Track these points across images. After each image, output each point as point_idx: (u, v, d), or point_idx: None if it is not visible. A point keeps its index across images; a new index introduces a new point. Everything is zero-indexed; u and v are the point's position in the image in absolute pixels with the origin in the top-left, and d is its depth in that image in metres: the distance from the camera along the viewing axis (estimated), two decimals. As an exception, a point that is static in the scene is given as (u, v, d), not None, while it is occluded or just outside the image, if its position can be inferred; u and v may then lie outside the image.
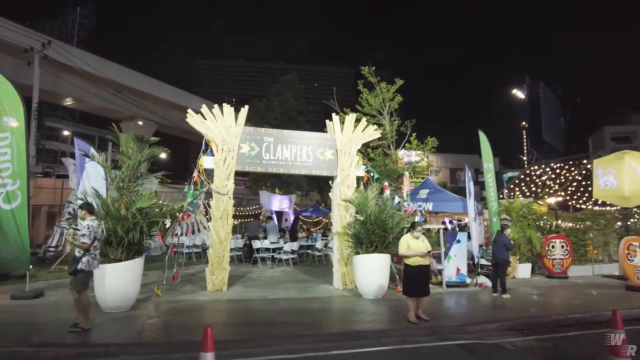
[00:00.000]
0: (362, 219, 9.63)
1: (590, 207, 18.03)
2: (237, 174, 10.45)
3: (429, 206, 12.37)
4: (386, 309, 8.29)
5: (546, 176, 16.68)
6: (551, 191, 15.91)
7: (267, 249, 14.74)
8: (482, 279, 11.07)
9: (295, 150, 10.36)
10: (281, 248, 14.58)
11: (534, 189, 16.29)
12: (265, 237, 16.68)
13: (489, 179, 12.70)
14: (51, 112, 49.55)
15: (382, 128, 11.48)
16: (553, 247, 12.94)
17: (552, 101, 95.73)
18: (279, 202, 28.25)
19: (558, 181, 16.27)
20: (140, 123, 38.68)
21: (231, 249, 15.51)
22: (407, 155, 46.34)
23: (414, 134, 11.39)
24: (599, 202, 16.50)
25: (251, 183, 36.46)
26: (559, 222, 15.74)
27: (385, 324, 7.21)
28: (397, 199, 11.05)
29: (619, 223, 13.96)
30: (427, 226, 11.18)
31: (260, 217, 29.14)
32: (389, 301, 9.17)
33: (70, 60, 25.56)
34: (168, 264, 9.88)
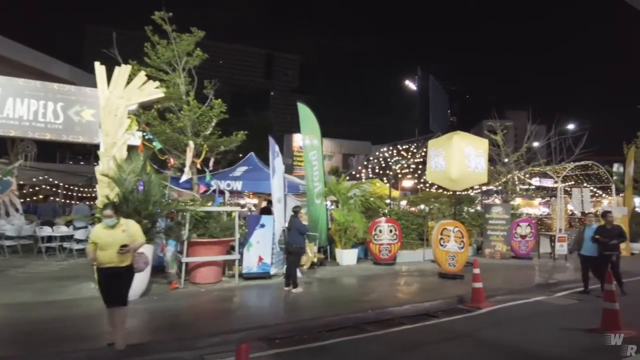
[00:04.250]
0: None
1: (439, 190, 17.82)
2: None
3: (238, 185, 10.59)
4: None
5: (395, 158, 16.02)
6: (391, 173, 15.22)
7: (56, 237, 11.92)
8: (290, 270, 9.58)
9: (37, 107, 7.76)
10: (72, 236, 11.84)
11: (377, 170, 15.58)
12: (71, 223, 13.78)
13: (312, 157, 11.28)
14: None
15: (175, 87, 9.28)
16: (380, 231, 11.99)
17: (441, 94, 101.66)
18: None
19: (405, 163, 15.66)
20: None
21: (20, 237, 12.47)
22: (302, 139, 44.81)
23: (192, 94, 9.28)
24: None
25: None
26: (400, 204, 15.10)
27: (79, 342, 5.16)
28: (185, 176, 9.07)
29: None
30: (220, 208, 9.38)
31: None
32: (147, 303, 7.18)
33: None
34: None
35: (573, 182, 19.59)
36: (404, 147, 16.02)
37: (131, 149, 8.41)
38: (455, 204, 12.76)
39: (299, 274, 9.58)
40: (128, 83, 8.39)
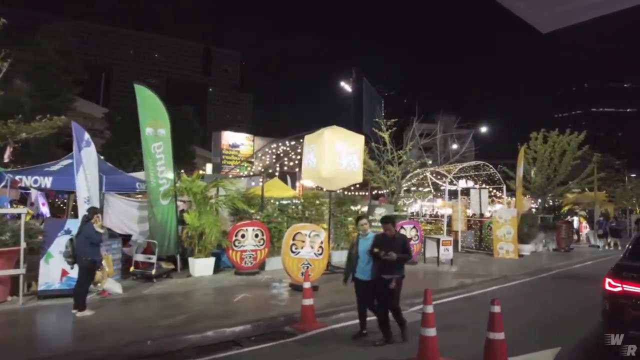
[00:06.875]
0: None
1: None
2: None
3: (48, 182, 8.73)
4: None
5: (282, 155, 14.81)
6: (270, 170, 14.01)
7: None
8: (109, 285, 7.89)
9: None
10: None
11: (261, 168, 14.34)
12: None
13: (157, 149, 9.66)
14: None
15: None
16: (243, 236, 10.58)
17: (374, 96, 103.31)
18: None
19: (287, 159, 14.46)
20: None
21: None
22: (232, 137, 41.62)
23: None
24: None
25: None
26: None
27: None
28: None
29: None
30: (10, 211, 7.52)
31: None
32: None
33: None
34: None
35: (473, 183, 19.46)
36: (292, 143, 14.82)
37: None
38: (331, 204, 11.66)
39: (118, 290, 7.98)
40: None
